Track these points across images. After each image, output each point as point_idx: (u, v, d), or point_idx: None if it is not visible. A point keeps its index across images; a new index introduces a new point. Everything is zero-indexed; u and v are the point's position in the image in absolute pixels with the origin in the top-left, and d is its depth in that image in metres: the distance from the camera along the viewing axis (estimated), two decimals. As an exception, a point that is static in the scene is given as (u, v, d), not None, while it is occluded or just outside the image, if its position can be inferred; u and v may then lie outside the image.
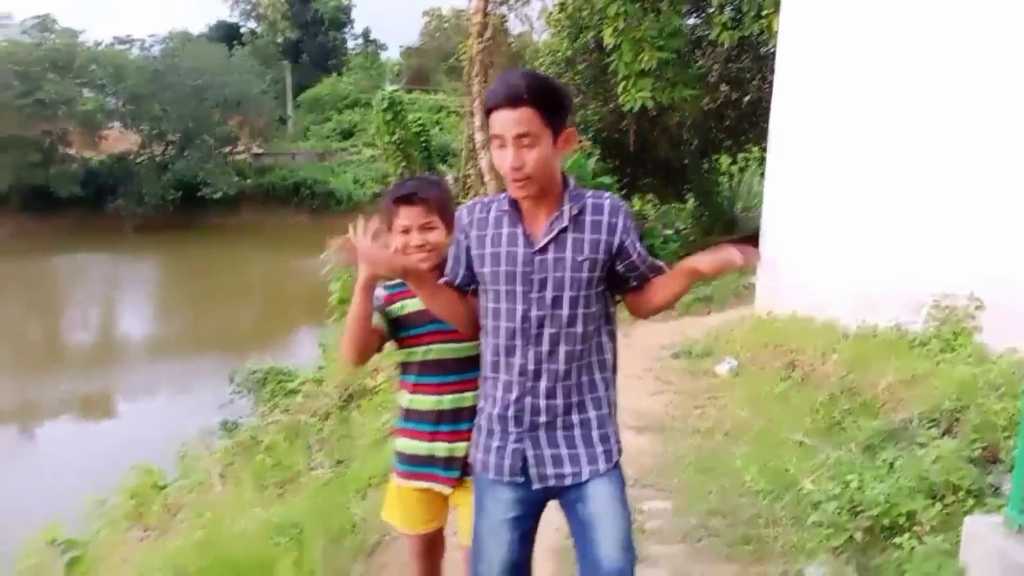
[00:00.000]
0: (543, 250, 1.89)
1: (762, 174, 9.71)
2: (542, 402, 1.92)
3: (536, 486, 1.93)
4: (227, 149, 30.63)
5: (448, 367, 2.15)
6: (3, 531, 6.42)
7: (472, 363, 2.08)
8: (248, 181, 29.83)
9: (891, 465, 3.23)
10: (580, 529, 1.93)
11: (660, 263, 2.01)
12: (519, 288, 1.90)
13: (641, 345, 6.90)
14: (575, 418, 1.93)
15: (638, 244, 1.96)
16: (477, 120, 11.54)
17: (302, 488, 3.95)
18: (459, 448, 2.14)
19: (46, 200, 26.56)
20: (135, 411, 12.98)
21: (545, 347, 1.90)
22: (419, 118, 16.52)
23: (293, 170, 31.36)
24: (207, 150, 29.22)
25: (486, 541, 1.96)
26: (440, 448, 2.17)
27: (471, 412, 2.08)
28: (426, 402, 2.17)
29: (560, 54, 13.80)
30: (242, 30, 42.58)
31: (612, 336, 2.02)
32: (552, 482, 1.93)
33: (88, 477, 6.68)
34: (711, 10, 12.09)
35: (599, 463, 1.93)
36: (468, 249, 1.97)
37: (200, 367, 15.53)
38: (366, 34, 47.58)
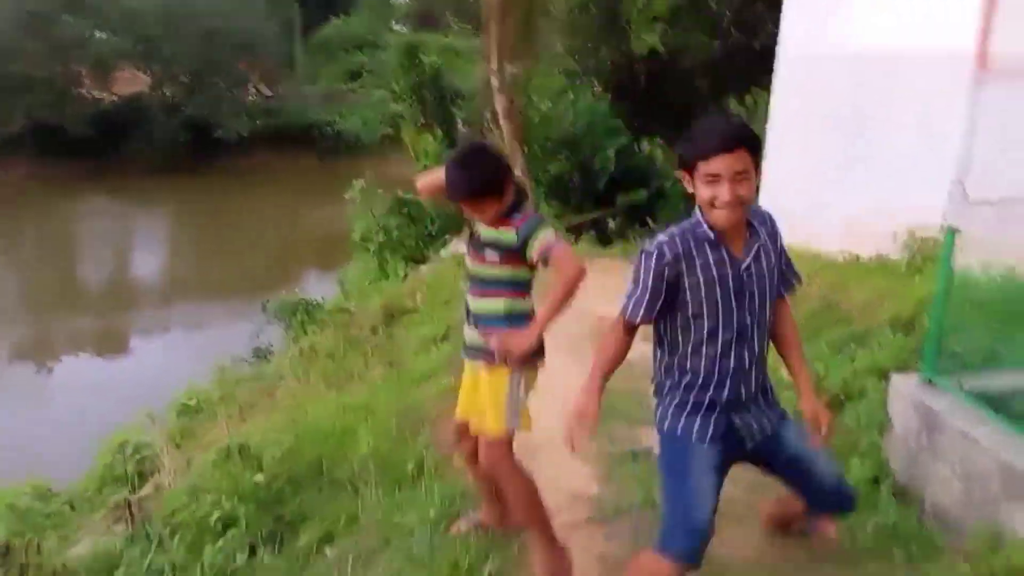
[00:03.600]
0: (747, 268, 2.20)
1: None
2: (753, 387, 2.28)
3: (746, 444, 2.30)
4: (238, 91, 30.86)
5: None
6: (61, 447, 7.13)
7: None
8: (258, 123, 30.07)
9: (852, 358, 3.96)
10: (791, 460, 2.35)
11: (797, 270, 2.38)
12: (730, 302, 2.18)
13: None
14: (761, 393, 2.33)
15: (784, 247, 2.32)
16: (494, 64, 12.01)
17: (362, 384, 4.70)
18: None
19: (60, 143, 26.72)
20: (153, 349, 13.57)
21: (756, 346, 2.26)
22: (435, 61, 16.93)
23: (302, 112, 31.50)
24: (218, 92, 29.43)
25: (697, 494, 2.24)
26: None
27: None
28: None
29: (574, -1, 14.15)
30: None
31: None
32: (759, 439, 2.31)
33: (115, 410, 7.00)
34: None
35: (782, 412, 2.37)
36: (675, 281, 2.17)
37: (218, 308, 16.19)
38: (375, -27, 46.84)
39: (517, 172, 12.16)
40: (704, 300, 2.18)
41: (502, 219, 2.48)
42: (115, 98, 29.65)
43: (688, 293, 2.18)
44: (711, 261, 2.17)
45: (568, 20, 14.72)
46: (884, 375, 3.62)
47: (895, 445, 3.17)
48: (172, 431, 5.31)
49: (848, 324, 4.83)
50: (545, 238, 2.43)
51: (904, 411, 3.11)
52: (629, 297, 2.24)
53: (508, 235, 2.47)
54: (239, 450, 3.56)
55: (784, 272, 2.34)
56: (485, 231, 2.53)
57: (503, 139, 12.49)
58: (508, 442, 2.60)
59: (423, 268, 8.24)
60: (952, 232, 3.02)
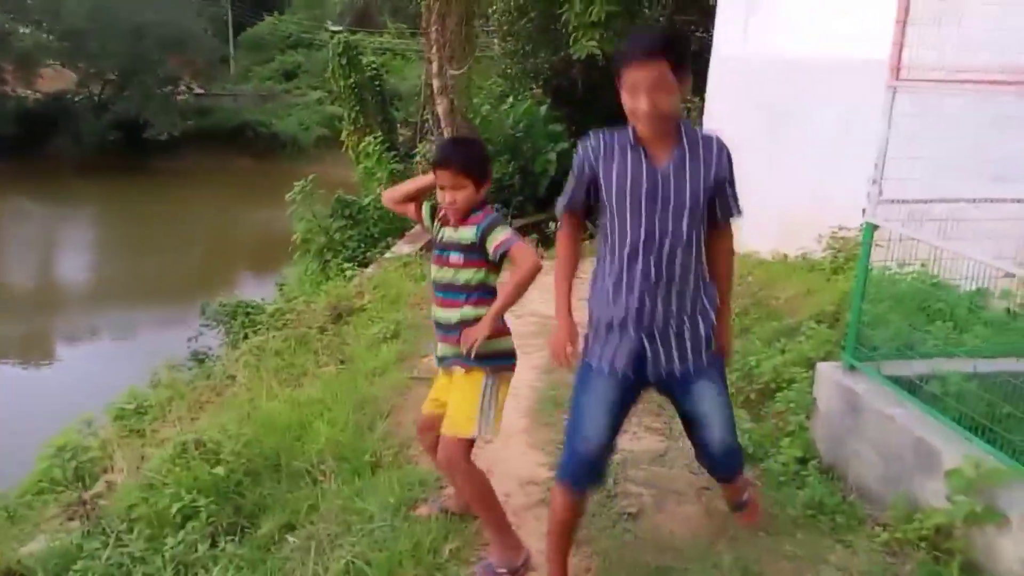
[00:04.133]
0: (665, 173, 2.19)
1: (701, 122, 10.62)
2: (659, 306, 2.23)
3: (651, 379, 2.29)
4: (168, 89, 30.15)
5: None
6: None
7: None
8: (190, 122, 29.46)
9: (782, 351, 4.24)
10: (692, 415, 2.35)
11: (739, 203, 2.32)
12: (644, 205, 2.19)
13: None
14: (686, 320, 2.26)
15: (731, 177, 2.27)
16: (435, 66, 12.12)
17: (316, 380, 4.78)
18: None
19: (-18, 142, 25.91)
20: (82, 355, 13.23)
21: (665, 257, 2.20)
22: (373, 62, 16.93)
23: (236, 112, 30.97)
24: (148, 90, 28.69)
25: (588, 422, 2.29)
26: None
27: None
28: None
29: (512, 2, 14.37)
30: (179, -35, 41.20)
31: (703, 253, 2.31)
32: (664, 375, 2.28)
33: (45, 418, 6.48)
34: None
35: (703, 359, 2.30)
36: (593, 174, 2.25)
37: (150, 313, 15.81)
38: (310, -28, 46.30)
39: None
40: (615, 200, 2.22)
41: (465, 218, 2.62)
42: (40, 95, 28.65)
43: (604, 192, 2.25)
44: (628, 162, 2.21)
45: (507, 24, 14.95)
46: (810, 364, 3.89)
47: (821, 427, 3.43)
48: (119, 432, 5.26)
49: (778, 319, 5.13)
50: (503, 234, 2.58)
51: (829, 396, 3.37)
52: (564, 191, 2.38)
53: (468, 232, 2.61)
54: (195, 444, 3.62)
55: (724, 200, 2.29)
56: (447, 233, 2.66)
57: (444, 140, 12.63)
58: (470, 443, 2.68)
59: (369, 269, 8.30)
60: (870, 228, 3.29)
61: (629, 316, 2.24)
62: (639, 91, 2.09)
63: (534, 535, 2.89)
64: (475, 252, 2.62)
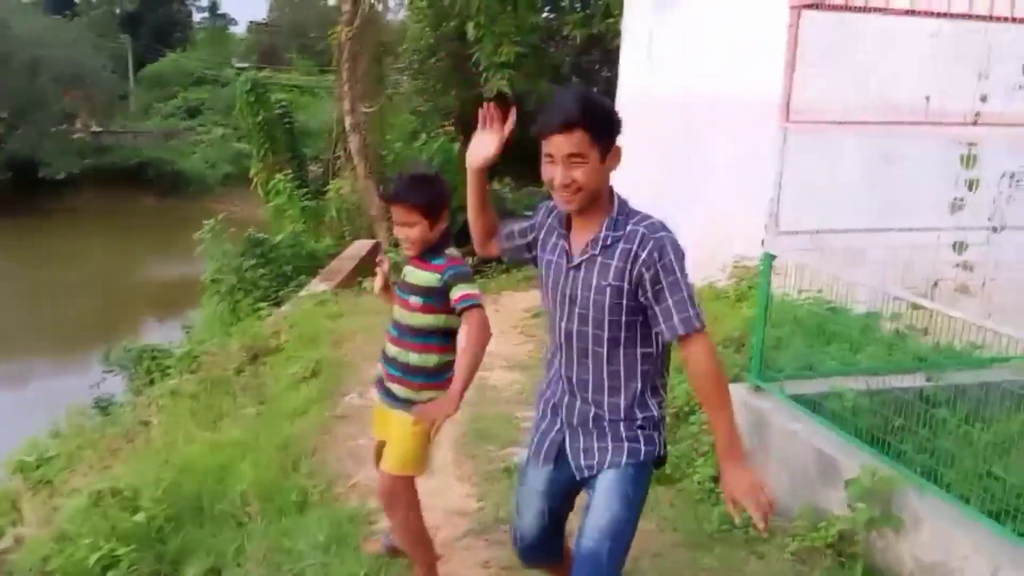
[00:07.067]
0: (577, 268, 2.00)
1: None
2: (577, 404, 2.07)
3: (574, 472, 2.10)
4: (64, 127, 29.03)
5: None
6: None
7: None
8: (87, 161, 28.40)
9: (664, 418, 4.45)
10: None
11: (689, 316, 1.90)
12: (557, 298, 2.05)
13: (508, 309, 7.97)
14: (605, 422, 2.04)
15: (666, 282, 1.90)
16: (347, 104, 12.16)
17: (235, 422, 4.70)
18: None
19: None
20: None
21: (576, 358, 2.04)
22: (282, 99, 16.80)
23: (136, 150, 30.06)
24: (42, 127, 27.54)
25: (523, 507, 2.21)
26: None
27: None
28: None
29: (423, 41, 14.59)
30: (75, -1, 40.07)
31: (650, 358, 2.03)
32: (581, 472, 2.08)
33: None
34: (563, 5, 13.28)
35: (614, 458, 2.03)
36: (537, 240, 2.15)
37: (44, 360, 15.07)
38: (213, 7, 45.86)
39: (372, 211, 12.35)
40: (542, 280, 2.13)
41: (425, 260, 2.59)
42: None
43: (540, 263, 2.14)
44: (556, 247, 2.08)
45: (417, 63, 15.15)
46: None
47: (732, 445, 3.63)
48: (22, 484, 5.02)
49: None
50: (470, 291, 2.51)
51: (737, 415, 3.56)
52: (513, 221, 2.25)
53: (429, 277, 2.57)
54: (111, 492, 3.52)
55: (662, 309, 1.93)
56: (412, 275, 2.63)
57: (356, 177, 12.64)
58: (406, 479, 2.68)
59: (283, 308, 8.19)
60: (769, 257, 3.53)
61: (554, 409, 2.15)
62: (555, 161, 1.93)
63: (463, 565, 2.95)
64: (435, 297, 2.57)
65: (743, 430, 3.53)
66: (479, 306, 2.49)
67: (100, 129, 31.08)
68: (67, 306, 18.15)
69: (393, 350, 2.68)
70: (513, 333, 7.13)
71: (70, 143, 28.50)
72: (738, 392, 3.61)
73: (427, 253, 2.60)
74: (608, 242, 1.96)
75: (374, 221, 12.26)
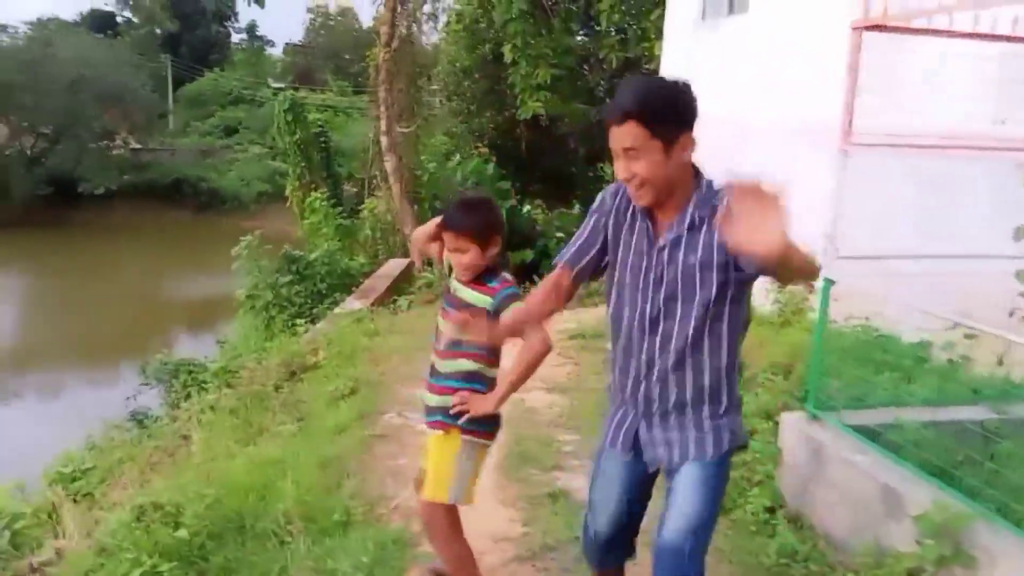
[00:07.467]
0: (662, 249, 1.97)
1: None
2: (655, 391, 2.03)
3: (647, 464, 2.10)
4: (104, 143, 29.67)
5: None
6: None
7: None
8: (126, 177, 29.00)
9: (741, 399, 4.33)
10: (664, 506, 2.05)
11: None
12: (640, 282, 2.00)
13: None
14: (688, 408, 2.02)
15: None
16: (383, 124, 12.27)
17: (275, 439, 4.67)
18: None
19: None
20: (5, 418, 12.52)
21: (659, 341, 2.00)
22: (319, 119, 17.03)
23: (173, 167, 30.67)
24: (83, 144, 28.22)
25: (599, 502, 2.20)
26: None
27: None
28: None
29: (459, 64, 14.73)
30: (117, 19, 41.10)
31: (735, 335, 2.02)
32: (655, 463, 2.08)
33: None
34: (599, 29, 13.32)
35: (697, 450, 2.02)
36: (606, 231, 2.08)
37: (79, 373, 15.20)
38: (251, 29, 46.78)
39: (407, 230, 12.39)
40: (619, 265, 2.05)
41: (479, 282, 2.54)
42: (-33, 148, 27.85)
43: (612, 250, 2.08)
44: (636, 229, 2.02)
45: (452, 85, 15.28)
46: (769, 415, 4.00)
47: (787, 476, 3.52)
48: (58, 496, 5.02)
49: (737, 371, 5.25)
50: None
51: (794, 445, 3.47)
52: (570, 241, 2.16)
53: (482, 298, 2.52)
54: (154, 507, 3.48)
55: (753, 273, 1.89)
56: (463, 291, 2.58)
57: (391, 197, 12.72)
58: (449, 508, 2.62)
59: (320, 325, 8.20)
60: (828, 283, 3.43)
61: (626, 401, 2.13)
62: (616, 155, 1.90)
63: (514, 590, 2.86)
64: (487, 317, 2.50)
65: (800, 460, 3.42)
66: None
67: (139, 146, 31.76)
68: (101, 319, 18.41)
69: (436, 360, 2.66)
70: (551, 355, 7.04)
71: (109, 159, 29.13)
72: (794, 422, 3.50)
73: (482, 275, 2.56)
74: (696, 221, 1.94)
75: (408, 240, 12.30)
